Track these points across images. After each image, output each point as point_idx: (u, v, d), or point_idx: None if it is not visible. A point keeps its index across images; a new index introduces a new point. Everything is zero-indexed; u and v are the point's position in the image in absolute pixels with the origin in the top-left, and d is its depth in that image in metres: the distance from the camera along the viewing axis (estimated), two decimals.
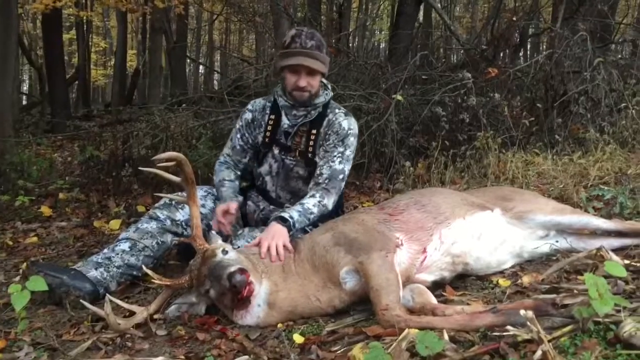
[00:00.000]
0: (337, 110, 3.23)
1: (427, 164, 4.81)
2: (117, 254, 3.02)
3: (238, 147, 3.33)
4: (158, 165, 2.68)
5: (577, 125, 5.34)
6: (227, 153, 3.37)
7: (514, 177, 4.33)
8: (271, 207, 3.29)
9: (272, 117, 3.22)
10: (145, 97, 15.22)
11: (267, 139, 3.22)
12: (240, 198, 3.24)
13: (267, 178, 3.30)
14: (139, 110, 10.76)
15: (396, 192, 4.48)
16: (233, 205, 3.03)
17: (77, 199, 5.19)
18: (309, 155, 3.15)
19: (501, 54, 7.69)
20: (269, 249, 2.65)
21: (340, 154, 3.11)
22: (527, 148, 4.93)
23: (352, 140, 3.16)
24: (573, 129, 5.30)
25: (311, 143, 3.15)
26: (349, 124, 3.16)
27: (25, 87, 26.38)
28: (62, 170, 6.78)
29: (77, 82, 18.05)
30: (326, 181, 3.06)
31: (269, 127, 3.21)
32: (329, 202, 3.05)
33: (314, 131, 3.15)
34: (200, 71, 28.87)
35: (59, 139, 9.74)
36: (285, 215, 2.85)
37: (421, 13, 11.79)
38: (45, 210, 4.87)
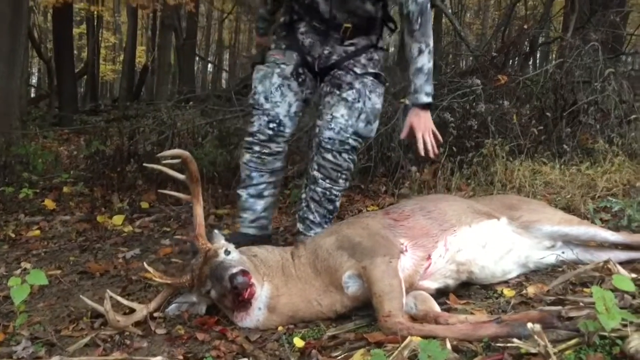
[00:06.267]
0: None
1: (433, 169, 4.77)
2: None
3: None
4: (163, 162, 2.68)
5: (586, 136, 5.30)
6: None
7: (520, 186, 4.28)
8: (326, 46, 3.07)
9: None
10: (153, 93, 15.29)
11: None
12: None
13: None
14: (146, 106, 10.79)
15: (401, 197, 4.43)
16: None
17: (81, 193, 5.18)
18: None
19: (510, 62, 7.65)
20: (425, 144, 2.94)
21: None
22: (535, 157, 4.87)
23: None
24: (582, 139, 5.25)
25: None
26: None
27: (34, 80, 26.53)
28: (67, 164, 6.78)
29: (85, 76, 18.14)
30: (418, 20, 2.86)
31: None
32: (431, 41, 2.94)
33: None
34: (208, 69, 28.98)
35: (66, 132, 9.79)
36: (422, 98, 2.94)
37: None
38: (49, 203, 4.85)
